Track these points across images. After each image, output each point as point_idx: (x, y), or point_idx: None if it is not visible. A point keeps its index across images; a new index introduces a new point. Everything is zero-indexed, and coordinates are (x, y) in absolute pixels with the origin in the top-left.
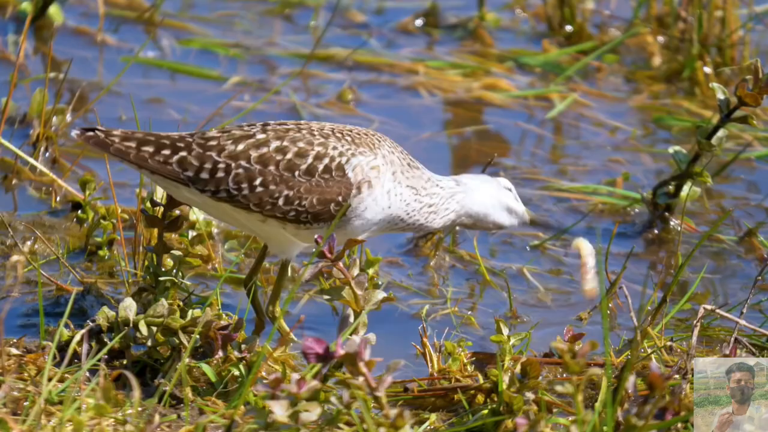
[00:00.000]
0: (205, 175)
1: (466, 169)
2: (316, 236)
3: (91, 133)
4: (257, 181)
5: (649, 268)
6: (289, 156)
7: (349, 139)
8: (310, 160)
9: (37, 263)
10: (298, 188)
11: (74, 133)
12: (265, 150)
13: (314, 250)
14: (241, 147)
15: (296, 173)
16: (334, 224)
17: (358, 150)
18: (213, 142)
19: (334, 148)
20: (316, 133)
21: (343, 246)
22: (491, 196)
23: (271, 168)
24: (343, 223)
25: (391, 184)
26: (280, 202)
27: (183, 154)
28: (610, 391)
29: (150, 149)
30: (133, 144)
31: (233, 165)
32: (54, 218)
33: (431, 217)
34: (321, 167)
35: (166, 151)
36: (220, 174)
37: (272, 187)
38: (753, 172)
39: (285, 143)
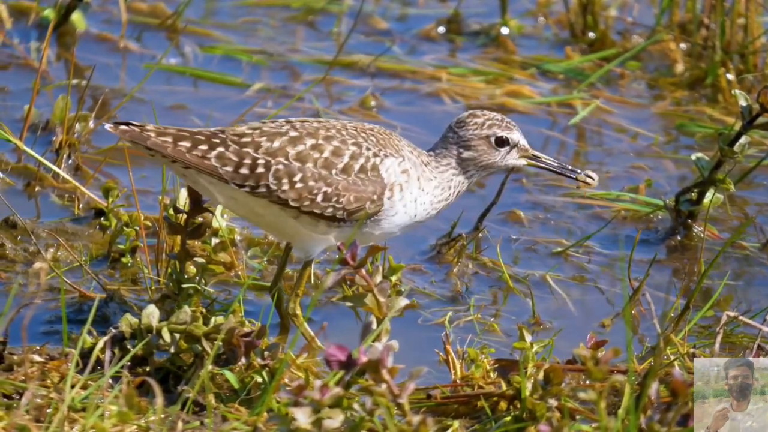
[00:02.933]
0: (244, 171)
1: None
2: (338, 243)
3: (125, 127)
4: (297, 177)
5: (672, 274)
6: (326, 154)
7: (374, 139)
8: (346, 159)
9: (60, 270)
10: (336, 185)
11: (108, 126)
12: (301, 147)
13: (337, 256)
14: (276, 144)
15: (333, 171)
16: (358, 226)
17: (387, 151)
18: (247, 139)
19: (368, 148)
20: (344, 132)
21: (366, 253)
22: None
23: (309, 165)
24: (371, 224)
25: (417, 192)
26: (319, 198)
27: (221, 149)
28: (633, 398)
29: (186, 144)
30: (168, 139)
31: (273, 161)
32: (77, 225)
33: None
34: (357, 167)
35: (204, 147)
36: (260, 169)
37: (311, 183)
38: None
39: (320, 141)
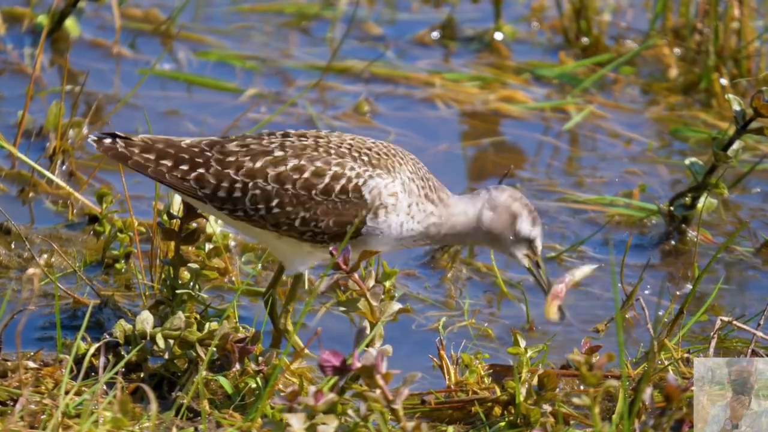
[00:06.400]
0: (222, 194)
1: (483, 181)
2: (331, 248)
3: (108, 142)
4: (274, 202)
5: (665, 279)
6: (306, 175)
7: (366, 159)
8: (327, 180)
9: (54, 276)
10: (315, 210)
11: (91, 139)
12: (282, 168)
13: (331, 263)
14: (258, 164)
15: (313, 192)
16: (344, 242)
17: (375, 172)
18: (231, 158)
19: (352, 168)
20: (333, 151)
21: (359, 258)
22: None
23: (288, 187)
24: (358, 243)
25: (405, 217)
26: (297, 223)
27: (201, 171)
28: (627, 404)
29: (168, 163)
30: (152, 156)
31: (250, 184)
32: (71, 231)
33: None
34: (338, 188)
35: (184, 167)
36: (237, 194)
37: (289, 208)
38: None
39: (303, 162)
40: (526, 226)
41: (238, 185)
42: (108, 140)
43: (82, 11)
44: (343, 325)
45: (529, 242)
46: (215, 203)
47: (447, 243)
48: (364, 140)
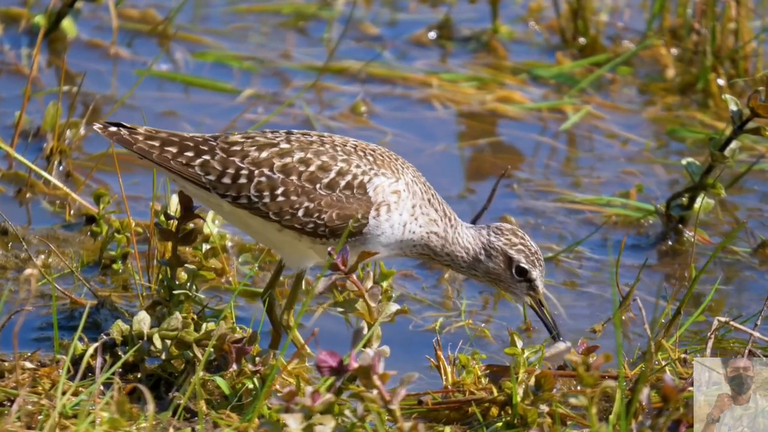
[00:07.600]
0: (227, 180)
1: (480, 181)
2: (329, 249)
3: (114, 129)
4: (279, 191)
5: (662, 279)
6: (312, 168)
7: (371, 158)
8: (332, 174)
9: (51, 277)
10: (319, 201)
11: (96, 126)
12: (288, 160)
13: (327, 262)
14: (264, 154)
15: (317, 186)
16: (344, 236)
17: (380, 170)
18: (236, 147)
19: (357, 166)
20: (339, 148)
21: (357, 259)
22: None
23: (293, 178)
24: (358, 242)
25: (408, 218)
26: (300, 213)
27: (206, 157)
28: (624, 404)
29: (173, 150)
30: (156, 143)
31: (256, 172)
32: (68, 232)
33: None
34: (343, 183)
35: (189, 153)
36: (242, 180)
37: (293, 197)
38: (766, 184)
39: (309, 155)
40: (524, 271)
41: (243, 172)
42: (113, 128)
43: (79, 12)
44: (340, 325)
45: (529, 282)
46: (219, 190)
47: (445, 265)
48: (366, 143)
